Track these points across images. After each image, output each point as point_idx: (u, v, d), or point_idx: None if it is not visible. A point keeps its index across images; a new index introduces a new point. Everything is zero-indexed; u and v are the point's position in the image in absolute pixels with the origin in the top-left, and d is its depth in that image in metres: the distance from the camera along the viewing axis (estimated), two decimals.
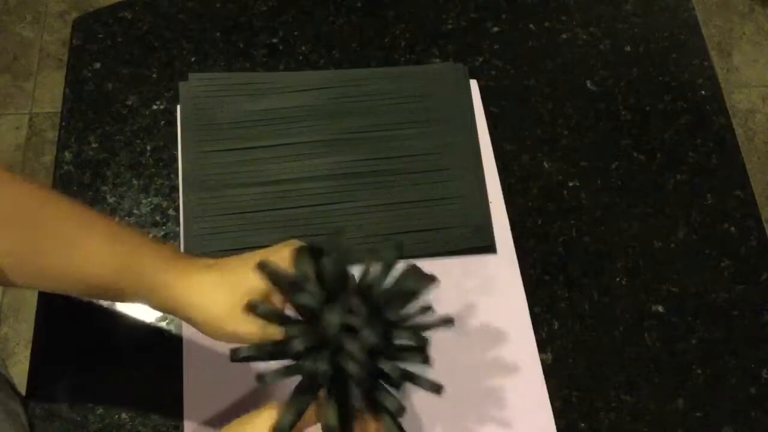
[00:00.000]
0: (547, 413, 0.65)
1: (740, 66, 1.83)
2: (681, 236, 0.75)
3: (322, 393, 0.45)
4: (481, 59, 0.84)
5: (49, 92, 1.71)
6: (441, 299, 0.69)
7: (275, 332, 0.46)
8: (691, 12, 0.89)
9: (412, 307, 0.45)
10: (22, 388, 0.67)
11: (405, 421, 0.64)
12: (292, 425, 0.44)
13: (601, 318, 0.70)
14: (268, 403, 0.47)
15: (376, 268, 0.45)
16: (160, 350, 0.66)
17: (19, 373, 0.69)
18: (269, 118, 0.77)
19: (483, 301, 0.70)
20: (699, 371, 0.68)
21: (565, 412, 0.66)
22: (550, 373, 0.67)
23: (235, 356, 0.46)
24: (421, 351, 0.44)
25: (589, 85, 0.83)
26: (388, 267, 0.45)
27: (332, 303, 0.43)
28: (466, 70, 0.82)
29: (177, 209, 0.73)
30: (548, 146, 0.79)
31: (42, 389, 0.65)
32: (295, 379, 0.46)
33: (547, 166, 0.78)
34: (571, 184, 0.77)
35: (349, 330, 0.43)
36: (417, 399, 0.65)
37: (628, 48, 0.86)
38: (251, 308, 0.46)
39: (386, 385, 0.44)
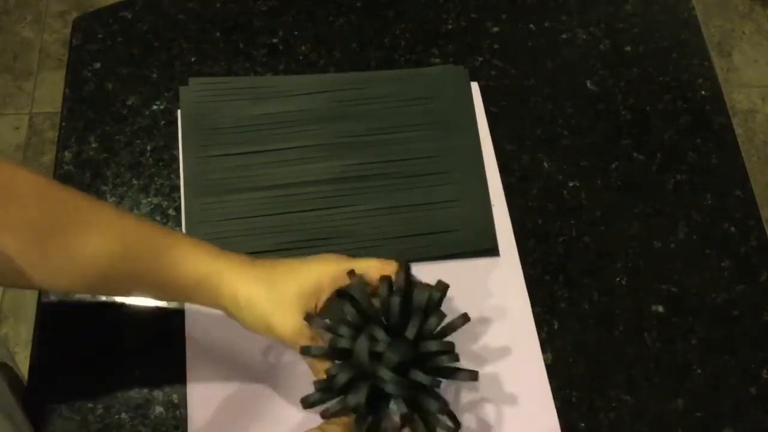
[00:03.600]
0: (551, 416, 0.65)
1: (740, 66, 1.83)
2: (681, 236, 0.75)
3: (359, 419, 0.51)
4: (481, 59, 0.84)
5: (49, 92, 1.71)
6: (444, 303, 0.69)
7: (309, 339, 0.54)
8: (691, 12, 0.89)
9: (433, 317, 0.52)
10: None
11: None
12: None
13: (601, 318, 0.70)
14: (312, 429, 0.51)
15: (384, 293, 0.52)
16: (162, 350, 0.66)
17: None
18: (270, 122, 0.77)
19: (486, 304, 0.70)
20: (699, 371, 0.68)
21: (565, 412, 0.66)
22: (550, 373, 0.67)
23: (306, 402, 0.53)
24: (449, 352, 0.50)
25: (589, 85, 0.83)
26: (398, 289, 0.52)
27: (359, 336, 0.50)
28: (467, 72, 0.82)
29: (177, 209, 0.73)
30: (548, 146, 0.79)
31: (42, 389, 0.65)
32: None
33: (547, 166, 0.78)
34: (571, 184, 0.77)
35: (377, 356, 0.50)
36: None
37: (628, 48, 0.86)
38: (301, 348, 0.54)
39: (427, 392, 0.50)
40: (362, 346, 0.50)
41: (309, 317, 0.55)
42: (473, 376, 0.52)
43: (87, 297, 0.69)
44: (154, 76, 0.81)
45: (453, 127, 0.78)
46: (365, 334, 0.50)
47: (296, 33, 0.85)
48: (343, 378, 0.50)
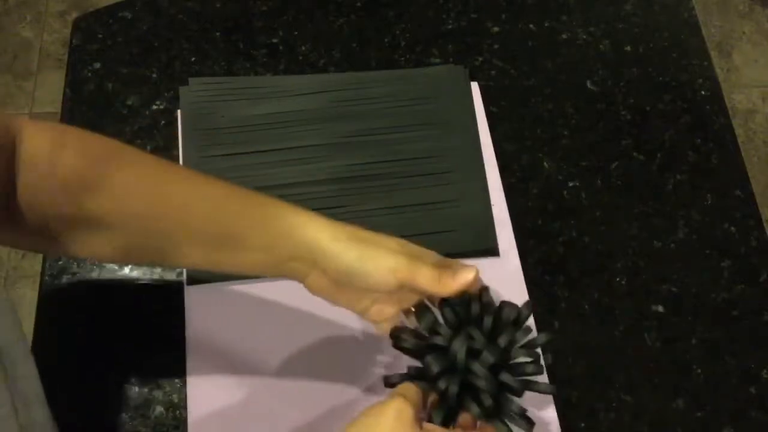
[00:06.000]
0: (551, 416, 0.65)
1: (740, 66, 1.83)
2: (681, 236, 0.75)
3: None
4: (481, 59, 0.84)
5: (49, 92, 1.71)
6: None
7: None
8: (691, 12, 0.89)
9: (518, 331, 0.55)
10: None
11: None
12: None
13: (601, 318, 0.70)
14: (391, 396, 0.51)
15: (476, 309, 0.55)
16: (162, 350, 0.66)
17: None
18: (270, 122, 0.77)
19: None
20: (699, 371, 0.68)
21: (565, 412, 0.66)
22: (550, 373, 0.67)
23: (388, 382, 0.55)
24: (535, 363, 0.54)
25: (589, 85, 0.83)
26: (490, 305, 0.56)
27: (457, 335, 0.54)
28: (467, 72, 0.82)
29: None
30: (548, 146, 0.79)
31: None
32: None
33: (547, 166, 0.78)
34: (571, 184, 0.77)
35: (473, 354, 0.53)
36: None
37: (628, 48, 0.86)
38: (395, 339, 0.56)
39: (508, 395, 0.54)
40: (461, 342, 0.53)
41: (396, 329, 0.56)
42: (552, 389, 0.57)
43: (86, 297, 0.69)
44: (154, 76, 0.81)
45: (453, 127, 0.78)
46: (463, 333, 0.54)
47: (296, 33, 0.85)
48: (436, 367, 0.53)
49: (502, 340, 0.54)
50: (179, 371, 0.65)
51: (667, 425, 0.66)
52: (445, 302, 0.55)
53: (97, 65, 0.81)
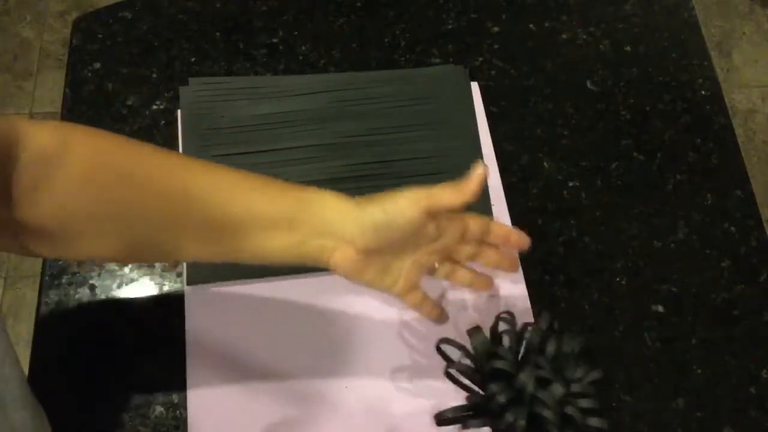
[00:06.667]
0: None
1: (740, 66, 1.83)
2: (681, 236, 0.75)
3: None
4: (481, 59, 0.84)
5: (49, 92, 1.71)
6: (443, 301, 0.70)
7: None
8: (691, 12, 0.89)
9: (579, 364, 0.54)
10: None
11: (415, 426, 0.64)
12: None
13: (601, 318, 0.70)
14: None
15: (534, 335, 0.54)
16: (162, 350, 0.66)
17: None
18: (270, 122, 0.77)
19: (485, 304, 0.70)
20: (699, 371, 0.68)
21: None
22: None
23: (442, 418, 0.53)
24: (592, 396, 0.53)
25: (589, 85, 0.83)
26: (547, 332, 0.55)
27: (523, 365, 0.52)
28: (467, 72, 0.82)
29: None
30: (548, 146, 0.79)
31: (41, 390, 0.65)
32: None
33: (547, 166, 0.78)
34: (571, 184, 0.77)
35: (540, 384, 0.51)
36: (427, 404, 0.65)
37: (628, 48, 0.86)
38: (449, 371, 0.55)
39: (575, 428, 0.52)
40: (529, 371, 0.51)
41: (443, 339, 0.55)
42: (605, 424, 0.54)
43: (86, 297, 0.69)
44: (154, 76, 0.81)
45: (453, 127, 0.78)
46: (531, 362, 0.52)
47: (296, 33, 0.85)
48: (503, 398, 0.51)
49: (569, 374, 0.52)
50: (179, 371, 0.65)
51: (667, 425, 0.66)
52: (498, 322, 0.54)
53: (97, 65, 0.81)
